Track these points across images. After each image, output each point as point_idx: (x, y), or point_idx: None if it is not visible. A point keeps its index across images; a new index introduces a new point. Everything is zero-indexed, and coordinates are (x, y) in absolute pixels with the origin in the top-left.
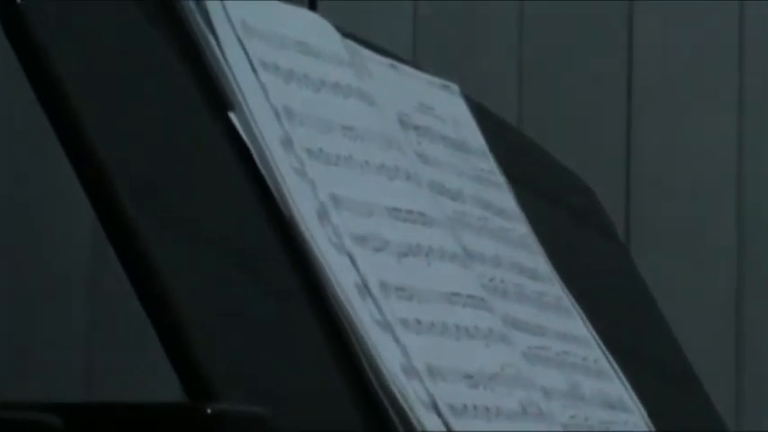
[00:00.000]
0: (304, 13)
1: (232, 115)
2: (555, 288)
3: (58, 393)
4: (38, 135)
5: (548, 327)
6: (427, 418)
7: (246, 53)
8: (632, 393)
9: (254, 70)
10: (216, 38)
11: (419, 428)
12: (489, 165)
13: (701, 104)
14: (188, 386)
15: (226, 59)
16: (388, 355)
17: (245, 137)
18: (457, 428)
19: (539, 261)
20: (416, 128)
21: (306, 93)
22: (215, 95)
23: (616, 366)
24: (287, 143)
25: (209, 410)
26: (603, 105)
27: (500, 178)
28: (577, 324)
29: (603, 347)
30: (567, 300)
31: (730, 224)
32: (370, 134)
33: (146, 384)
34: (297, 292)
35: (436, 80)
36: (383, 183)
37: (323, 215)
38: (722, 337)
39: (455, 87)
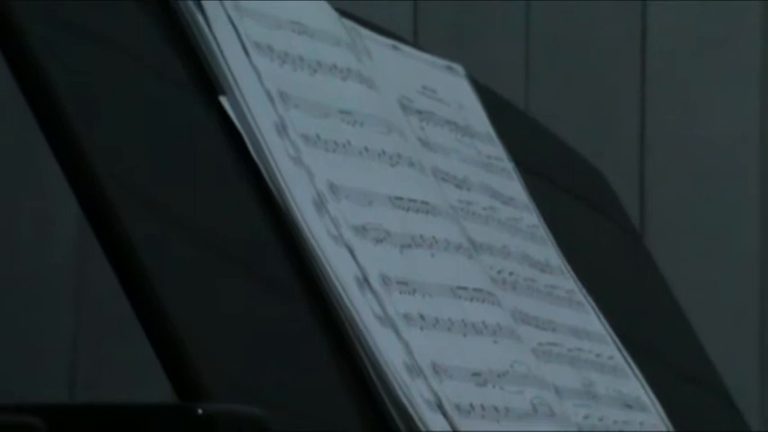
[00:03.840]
0: None
1: (223, 99)
2: (567, 281)
3: (42, 394)
4: (19, 128)
5: (559, 322)
6: (432, 419)
7: (238, 34)
8: (649, 392)
9: (246, 52)
10: (205, 18)
11: (423, 430)
12: (496, 151)
13: (720, 89)
14: (178, 386)
15: (216, 40)
16: (391, 352)
17: (237, 122)
18: (463, 429)
19: (549, 253)
20: (419, 112)
21: (301, 75)
22: (205, 79)
23: (632, 363)
24: (281, 128)
25: (200, 411)
26: (616, 90)
27: (508, 165)
28: (591, 319)
29: (619, 343)
30: (579, 293)
31: (753, 215)
32: (369, 119)
33: (134, 385)
34: (293, 286)
35: (439, 61)
36: (384, 170)
37: (320, 205)
38: (745, 334)
39: (459, 69)
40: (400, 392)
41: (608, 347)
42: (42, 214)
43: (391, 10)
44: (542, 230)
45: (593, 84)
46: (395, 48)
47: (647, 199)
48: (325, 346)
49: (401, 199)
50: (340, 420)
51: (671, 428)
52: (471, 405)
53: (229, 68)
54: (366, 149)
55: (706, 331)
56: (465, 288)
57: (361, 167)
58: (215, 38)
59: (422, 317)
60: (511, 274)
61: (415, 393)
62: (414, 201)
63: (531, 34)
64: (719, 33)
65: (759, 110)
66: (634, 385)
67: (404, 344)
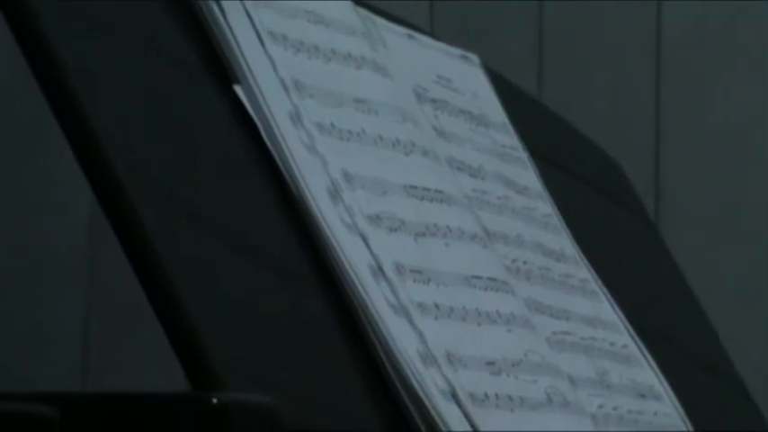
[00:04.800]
0: None
1: (238, 88)
2: (581, 270)
3: (53, 382)
4: (31, 113)
5: (573, 311)
6: (446, 409)
7: (253, 23)
8: (663, 381)
9: (260, 41)
10: (220, 7)
11: (437, 419)
12: (511, 140)
13: (734, 81)
14: (192, 375)
15: (231, 29)
16: (405, 341)
17: (251, 111)
18: (478, 418)
19: (564, 242)
20: (433, 101)
21: (316, 64)
22: (220, 68)
23: (646, 352)
24: (296, 117)
25: (214, 400)
26: (630, 80)
27: (522, 154)
28: (605, 308)
29: (633, 332)
30: (593, 282)
31: (766, 204)
32: (384, 107)
33: (146, 372)
34: (307, 274)
35: (454, 50)
36: (398, 159)
37: (334, 193)
38: (757, 322)
39: (475, 58)
40: (414, 381)
41: (622, 336)
42: (54, 201)
43: (407, 7)
44: (556, 219)
45: (606, 74)
46: (410, 36)
47: (661, 188)
48: (338, 334)
49: (415, 188)
50: (353, 410)
51: (685, 418)
52: (486, 394)
53: (244, 57)
54: (380, 138)
55: (719, 320)
56: (479, 277)
57: (376, 156)
58: (230, 27)
59: (436, 306)
60: (525, 263)
61: (429, 382)
62: (428, 190)
63: (545, 26)
64: (731, 22)
65: None
66: (648, 374)
67: (418, 333)
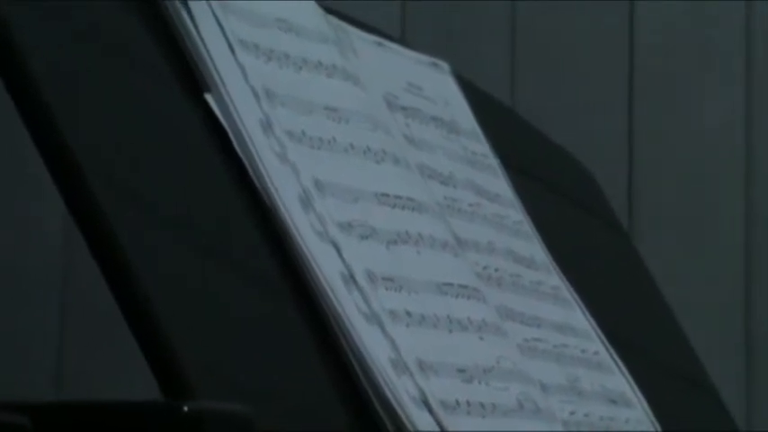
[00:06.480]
0: None
1: (209, 97)
2: (552, 277)
3: (28, 391)
4: (8, 123)
5: (545, 318)
6: (418, 416)
7: (223, 31)
8: (635, 388)
9: (231, 49)
10: (190, 15)
11: (409, 427)
12: (482, 147)
13: (706, 85)
14: (164, 383)
15: (201, 37)
16: (376, 348)
17: (222, 119)
18: (449, 425)
19: (535, 249)
20: (404, 109)
21: (287, 72)
22: (190, 76)
23: (618, 359)
24: (267, 126)
25: (185, 409)
26: (603, 87)
27: (493, 162)
28: (576, 315)
29: (604, 339)
30: (565, 290)
31: (738, 211)
32: (355, 116)
33: (121, 381)
34: (279, 283)
35: (425, 58)
36: (369, 167)
37: (306, 202)
38: (731, 330)
39: (445, 66)
40: (386, 389)
41: (593, 344)
42: (29, 206)
43: (379, 10)
44: (528, 227)
45: (579, 81)
46: (380, 45)
47: (634, 196)
48: (311, 342)
49: (387, 195)
50: (326, 418)
51: (657, 425)
52: (457, 401)
53: (215, 66)
54: (352, 146)
55: (692, 328)
56: (451, 284)
57: (347, 164)
58: (200, 35)
59: (408, 313)
60: (496, 270)
61: (401, 390)
62: (399, 197)
63: (518, 33)
64: (705, 30)
65: (744, 106)
66: (619, 381)
67: (390, 340)
